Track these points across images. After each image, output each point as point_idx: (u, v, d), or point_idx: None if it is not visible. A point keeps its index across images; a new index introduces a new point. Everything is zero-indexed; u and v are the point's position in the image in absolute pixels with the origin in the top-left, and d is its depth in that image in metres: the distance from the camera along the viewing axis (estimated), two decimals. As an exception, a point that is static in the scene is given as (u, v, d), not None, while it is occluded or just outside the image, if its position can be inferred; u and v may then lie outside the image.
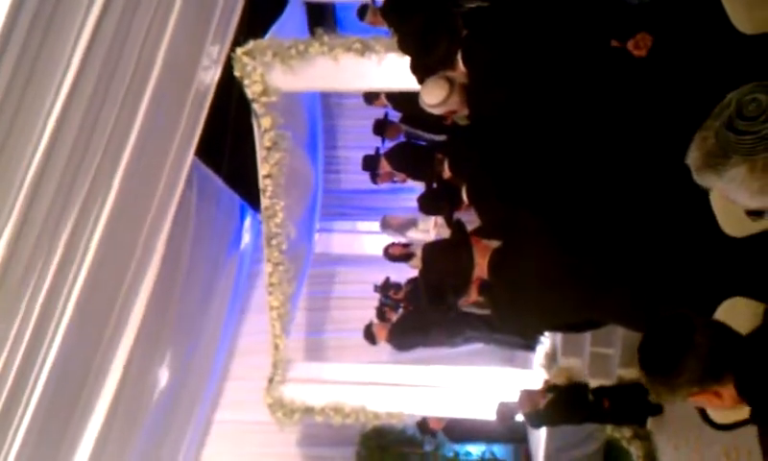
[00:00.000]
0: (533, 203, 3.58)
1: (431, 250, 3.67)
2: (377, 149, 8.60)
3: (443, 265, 3.55)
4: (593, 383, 7.11)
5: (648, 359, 2.15)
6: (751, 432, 2.91)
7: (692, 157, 1.79)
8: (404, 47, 4.67)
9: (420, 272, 3.93)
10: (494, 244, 3.43)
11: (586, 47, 3.74)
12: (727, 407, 2.16)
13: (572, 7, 3.88)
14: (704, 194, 2.77)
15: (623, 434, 7.28)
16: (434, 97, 4.22)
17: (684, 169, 2.24)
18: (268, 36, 7.69)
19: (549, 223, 3.31)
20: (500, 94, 3.95)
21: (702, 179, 1.79)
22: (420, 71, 4.71)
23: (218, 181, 8.83)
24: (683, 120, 3.32)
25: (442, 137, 7.32)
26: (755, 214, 1.82)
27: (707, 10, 3.31)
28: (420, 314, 7.84)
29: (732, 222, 2.73)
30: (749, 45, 3.04)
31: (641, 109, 3.52)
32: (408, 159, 7.60)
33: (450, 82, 4.20)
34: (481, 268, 3.44)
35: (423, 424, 8.99)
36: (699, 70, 3.44)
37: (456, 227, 3.59)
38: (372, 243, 10.05)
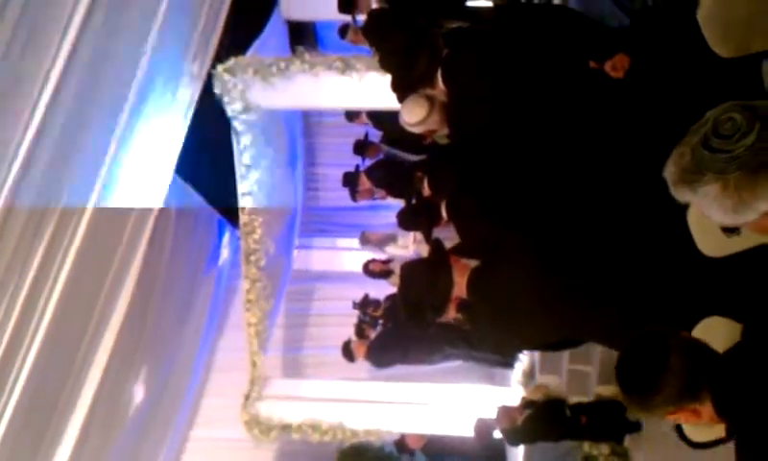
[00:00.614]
0: (513, 221, 3.60)
1: (410, 268, 3.68)
2: (357, 166, 8.62)
3: (421, 283, 3.56)
4: (571, 400, 7.12)
5: (625, 378, 2.16)
6: (728, 450, 2.94)
7: (669, 172, 1.82)
8: (385, 65, 4.69)
9: (399, 289, 3.94)
10: (473, 263, 3.44)
11: (564, 68, 3.77)
12: (705, 424, 2.17)
13: (551, 29, 3.92)
14: (683, 214, 2.81)
15: (601, 451, 7.28)
16: (414, 116, 4.24)
17: (663, 188, 2.28)
18: (249, 54, 7.71)
19: (528, 242, 3.32)
20: (480, 113, 3.98)
21: (677, 193, 1.81)
22: (401, 89, 4.74)
23: (197, 198, 8.80)
24: (660, 140, 3.37)
25: (422, 157, 7.36)
26: (729, 231, 1.86)
27: (685, 32, 3.36)
28: (398, 331, 7.84)
29: (709, 242, 2.76)
30: (726, 68, 3.09)
31: (620, 129, 3.57)
32: (388, 176, 7.62)
33: (430, 100, 4.22)
34: (460, 287, 3.45)
35: (401, 444, 8.96)
36: (677, 91, 3.49)
37: (435, 245, 3.60)
38: (352, 260, 10.04)
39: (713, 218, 1.78)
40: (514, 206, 3.78)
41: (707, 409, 2.06)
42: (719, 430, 2.61)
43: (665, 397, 2.06)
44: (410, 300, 3.70)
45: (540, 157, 3.69)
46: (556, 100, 3.78)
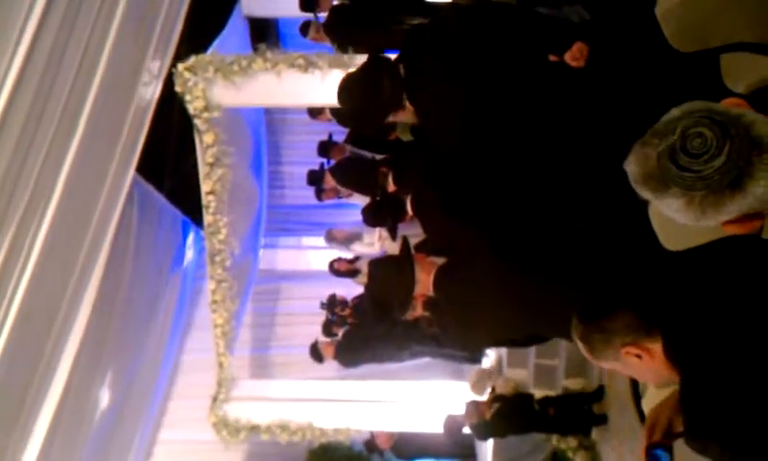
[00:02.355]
0: (476, 217, 3.59)
1: (376, 266, 3.68)
2: (322, 164, 8.59)
3: (387, 281, 3.56)
4: (539, 394, 7.18)
5: (584, 308, 2.17)
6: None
7: (631, 170, 1.79)
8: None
9: (366, 287, 3.94)
10: (440, 260, 3.44)
11: (524, 65, 3.76)
12: (658, 374, 2.17)
13: (506, 26, 3.91)
14: (645, 209, 2.82)
15: (568, 444, 7.35)
16: None
17: (627, 182, 2.28)
18: (210, 52, 7.64)
19: (492, 239, 3.32)
20: (451, 123, 3.93)
21: (638, 190, 1.80)
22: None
23: (160, 198, 8.71)
24: (623, 134, 3.38)
25: (386, 155, 7.35)
26: None
27: (644, 27, 3.38)
28: (366, 330, 7.83)
29: (671, 237, 2.78)
30: (686, 62, 3.10)
31: (584, 121, 3.57)
32: (353, 174, 7.60)
33: None
34: (426, 284, 3.46)
35: (371, 444, 8.95)
36: (639, 79, 3.51)
37: (402, 243, 3.59)
38: (318, 258, 10.02)
39: (677, 220, 1.79)
40: (477, 202, 3.77)
41: (658, 352, 2.07)
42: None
43: (623, 324, 2.06)
44: (376, 297, 3.70)
45: (504, 153, 3.68)
46: (520, 97, 3.77)
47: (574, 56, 3.61)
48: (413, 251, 3.55)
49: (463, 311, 3.33)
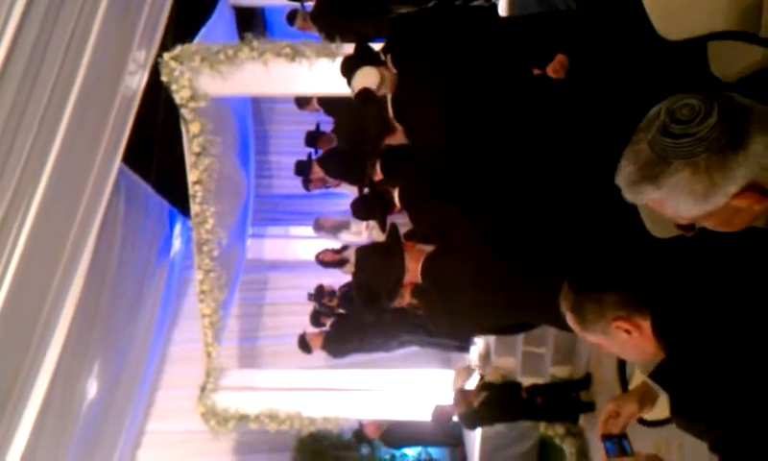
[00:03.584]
0: (465, 207, 3.60)
1: (364, 254, 3.68)
2: (309, 155, 8.57)
3: (375, 269, 3.56)
4: (527, 382, 7.21)
5: (579, 277, 2.18)
6: (675, 429, 2.99)
7: (625, 174, 1.75)
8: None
9: (354, 275, 3.94)
10: (428, 249, 3.45)
11: (510, 80, 3.78)
12: (644, 351, 2.19)
13: (489, 45, 3.91)
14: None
15: (556, 432, 7.39)
16: (363, 86, 4.18)
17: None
18: (196, 41, 7.60)
19: (480, 227, 3.33)
20: (442, 145, 3.93)
21: (637, 194, 1.74)
22: (348, 73, 4.71)
23: (146, 188, 8.68)
24: (611, 133, 3.40)
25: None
26: (685, 229, 1.81)
27: (630, 16, 3.38)
28: (354, 319, 7.83)
29: (657, 224, 2.79)
30: (672, 50, 3.11)
31: (571, 125, 3.58)
32: (340, 165, 7.58)
33: (381, 72, 4.19)
34: (414, 272, 3.47)
35: (359, 434, 8.97)
36: (626, 69, 3.52)
37: (390, 231, 3.59)
38: (305, 248, 10.01)
39: (680, 211, 1.73)
40: (466, 192, 3.78)
41: (647, 328, 2.10)
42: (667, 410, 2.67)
43: (616, 298, 2.10)
44: (364, 285, 3.70)
45: (492, 149, 3.69)
46: (506, 106, 3.78)
47: (555, 69, 3.64)
48: (402, 239, 3.56)
49: (451, 299, 3.34)
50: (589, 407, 6.91)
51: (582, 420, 7.17)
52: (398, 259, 3.40)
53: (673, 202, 1.71)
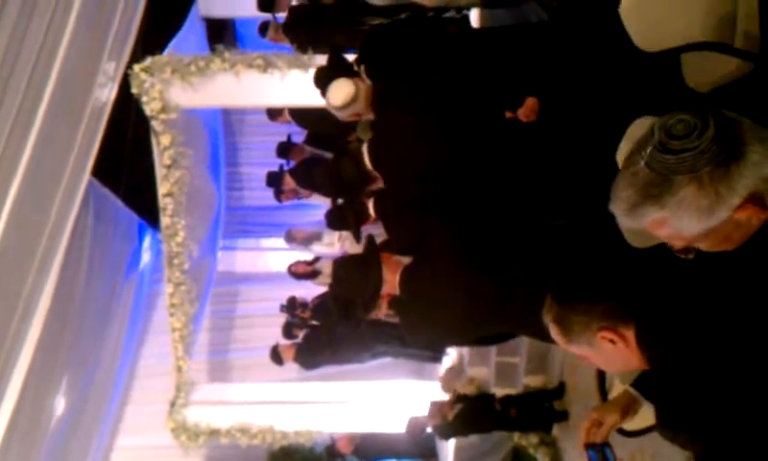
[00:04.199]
0: (442, 219, 3.60)
1: (341, 265, 3.67)
2: (281, 166, 8.54)
3: (352, 280, 3.55)
4: (500, 392, 7.22)
5: (564, 288, 2.18)
6: (654, 436, 3.00)
7: (623, 198, 1.72)
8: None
9: (330, 287, 3.92)
10: (405, 260, 3.44)
11: (484, 127, 3.80)
12: (628, 362, 2.20)
13: (464, 89, 3.93)
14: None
15: (530, 441, 7.41)
16: (340, 98, 4.16)
17: (589, 192, 2.27)
18: (166, 53, 7.54)
19: (459, 239, 3.33)
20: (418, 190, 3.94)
21: (638, 217, 1.72)
22: (322, 84, 4.71)
23: (116, 201, 8.57)
24: (587, 144, 3.43)
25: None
26: (683, 252, 1.80)
27: (603, 29, 3.42)
28: (327, 331, 7.80)
29: (635, 235, 2.80)
30: (648, 63, 3.13)
31: (547, 138, 3.61)
32: (313, 175, 7.55)
33: (356, 84, 4.19)
34: (392, 284, 3.45)
35: (332, 449, 8.91)
36: (597, 93, 3.56)
37: (367, 242, 3.58)
38: (277, 260, 9.96)
39: (683, 230, 1.70)
40: (445, 203, 3.78)
41: (632, 338, 2.11)
42: (647, 419, 2.68)
43: (601, 308, 2.10)
44: (341, 297, 3.69)
45: (472, 167, 3.71)
46: (487, 128, 3.81)
47: (525, 114, 3.67)
48: (379, 250, 3.55)
49: (430, 310, 3.33)
50: (563, 416, 6.94)
51: (555, 429, 7.20)
52: (376, 271, 3.38)
53: (677, 220, 1.69)
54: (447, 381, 7.57)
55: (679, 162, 1.64)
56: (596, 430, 2.47)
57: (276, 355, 8.00)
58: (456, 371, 7.66)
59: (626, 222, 1.75)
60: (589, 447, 2.40)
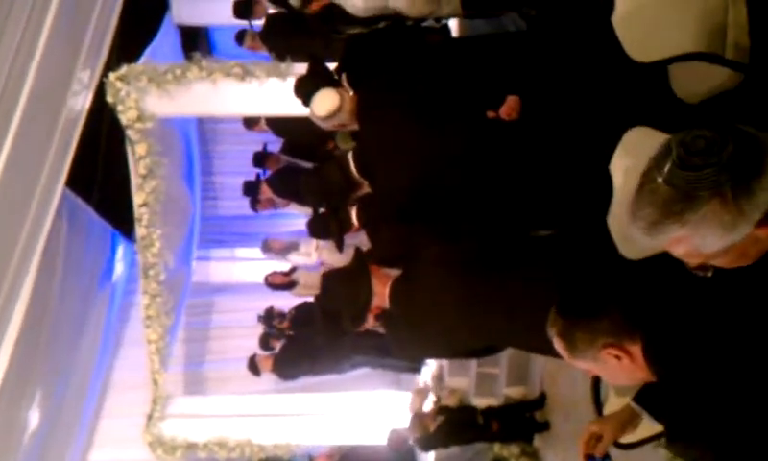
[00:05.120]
0: (432, 228, 3.57)
1: (330, 278, 3.62)
2: (258, 175, 8.47)
3: (342, 293, 3.50)
4: (481, 403, 7.20)
5: (568, 302, 2.15)
6: (641, 450, 2.99)
7: (643, 217, 1.68)
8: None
9: (318, 299, 3.87)
10: (394, 273, 3.40)
11: (466, 127, 3.78)
12: (633, 377, 2.18)
13: (446, 95, 3.92)
14: (603, 217, 2.83)
15: (511, 452, 7.38)
16: (324, 108, 4.10)
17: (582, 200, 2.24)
18: (142, 61, 7.45)
19: (453, 251, 3.30)
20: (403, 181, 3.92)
21: (658, 234, 1.68)
22: (304, 94, 4.67)
23: (89, 211, 8.45)
24: (574, 152, 3.42)
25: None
26: (701, 269, 1.77)
27: (594, 36, 3.41)
28: (305, 341, 7.74)
29: (629, 247, 2.79)
30: (635, 73, 3.12)
31: (533, 145, 3.59)
32: (292, 185, 7.49)
33: (341, 94, 4.14)
34: (381, 297, 3.41)
35: None
36: (577, 103, 3.55)
37: (356, 255, 3.53)
38: (252, 270, 9.87)
39: (707, 245, 1.67)
40: (430, 211, 3.75)
41: (637, 353, 2.09)
42: (639, 433, 2.66)
43: (607, 324, 2.08)
44: (329, 308, 3.64)
45: (461, 177, 3.68)
46: (474, 137, 3.79)
47: (507, 112, 3.66)
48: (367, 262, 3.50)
49: (420, 324, 3.29)
50: (544, 427, 6.93)
51: (537, 440, 7.19)
52: (366, 283, 3.33)
53: (699, 237, 1.66)
54: (415, 402, 7.55)
55: (701, 178, 1.61)
56: (595, 443, 2.45)
57: (254, 366, 7.93)
58: (424, 394, 7.64)
59: (646, 241, 1.72)
60: (590, 458, 2.38)
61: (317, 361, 7.87)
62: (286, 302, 8.65)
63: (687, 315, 1.94)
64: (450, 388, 7.70)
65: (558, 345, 2.17)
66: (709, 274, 1.76)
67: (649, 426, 2.68)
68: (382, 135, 3.98)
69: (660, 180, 1.65)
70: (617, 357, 2.08)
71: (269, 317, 8.37)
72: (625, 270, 2.23)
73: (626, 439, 2.77)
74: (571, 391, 6.07)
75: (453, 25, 6.40)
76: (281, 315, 8.33)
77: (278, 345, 8.20)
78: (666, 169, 1.64)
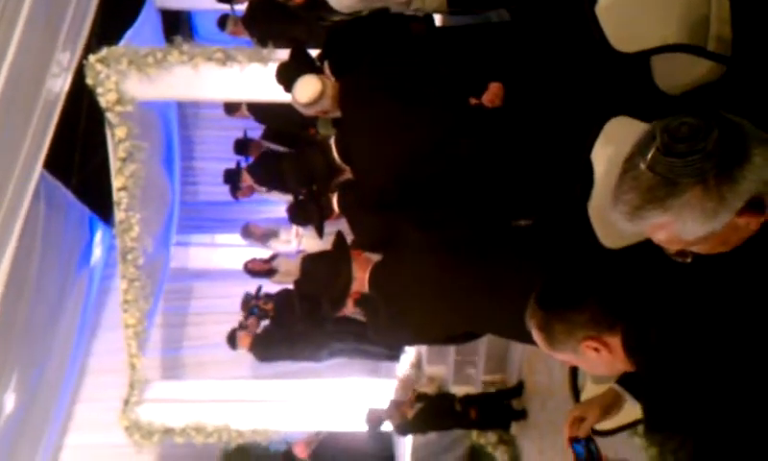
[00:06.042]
0: (414, 214, 3.57)
1: (310, 262, 3.62)
2: (239, 162, 8.43)
3: (321, 277, 3.50)
4: (459, 391, 7.22)
5: (548, 293, 2.15)
6: (616, 438, 3.01)
7: (625, 201, 1.69)
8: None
9: (298, 283, 3.87)
10: (375, 257, 3.40)
11: (449, 113, 3.78)
12: (613, 368, 2.19)
13: (430, 82, 3.91)
14: (584, 206, 2.84)
15: (488, 440, 7.43)
16: (307, 95, 4.08)
17: (562, 189, 2.24)
18: (122, 43, 7.38)
19: (435, 236, 3.30)
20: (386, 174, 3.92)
21: (639, 220, 1.69)
22: (286, 79, 4.65)
23: (68, 194, 8.38)
24: (556, 143, 3.43)
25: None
26: (680, 255, 1.79)
27: (565, 30, 3.42)
28: (286, 326, 7.72)
29: (609, 235, 2.80)
30: (616, 63, 3.13)
31: (516, 135, 3.60)
32: (273, 172, 7.46)
33: (323, 80, 4.13)
34: (361, 282, 3.42)
35: (288, 454, 8.83)
36: (560, 93, 3.56)
37: (337, 239, 3.53)
38: (231, 256, 9.83)
39: (685, 233, 1.69)
40: (412, 198, 3.76)
41: (616, 345, 2.10)
42: (616, 420, 2.69)
43: (586, 317, 2.08)
44: (308, 292, 3.64)
45: (443, 164, 3.69)
46: (456, 125, 3.79)
47: (490, 99, 3.66)
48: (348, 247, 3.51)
49: (400, 309, 3.30)
50: (522, 415, 6.97)
51: (514, 427, 7.23)
52: (346, 267, 3.34)
53: (680, 223, 1.67)
54: (402, 389, 7.56)
55: (685, 165, 1.62)
56: (579, 426, 2.47)
57: (233, 340, 7.89)
58: (410, 381, 7.66)
59: (627, 226, 1.73)
60: (574, 440, 2.40)
61: (295, 347, 7.85)
62: (265, 289, 8.62)
63: (667, 304, 1.95)
64: (429, 376, 7.72)
65: (537, 337, 2.18)
66: (689, 260, 1.77)
67: (626, 414, 2.72)
68: (364, 122, 3.97)
69: (642, 166, 1.66)
70: (596, 350, 2.10)
71: (255, 297, 8.29)
72: (604, 259, 2.24)
73: (603, 426, 2.80)
74: (548, 379, 6.11)
75: (437, 19, 6.40)
76: (268, 296, 8.27)
77: (258, 327, 8.14)
78: (650, 155, 1.65)
